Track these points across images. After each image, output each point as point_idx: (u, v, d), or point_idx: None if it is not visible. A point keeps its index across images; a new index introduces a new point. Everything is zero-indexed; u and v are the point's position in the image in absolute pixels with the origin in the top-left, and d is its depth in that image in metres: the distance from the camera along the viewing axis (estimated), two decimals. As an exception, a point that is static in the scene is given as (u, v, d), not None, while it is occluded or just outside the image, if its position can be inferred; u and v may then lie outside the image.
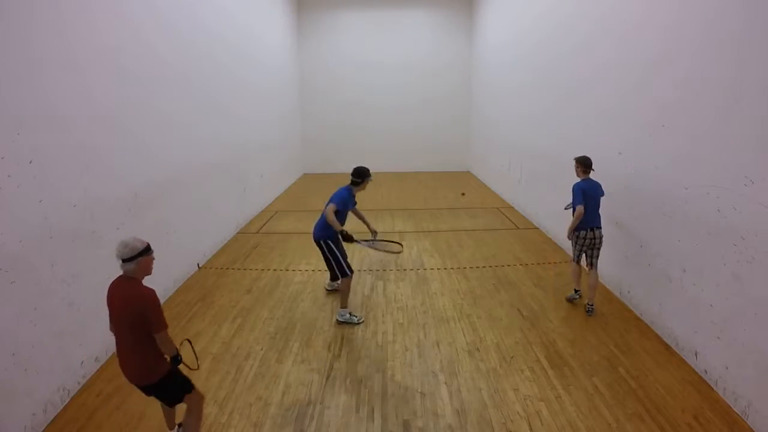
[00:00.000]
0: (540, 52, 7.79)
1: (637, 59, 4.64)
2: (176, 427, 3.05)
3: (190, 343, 3.00)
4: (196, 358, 3.11)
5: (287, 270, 6.06)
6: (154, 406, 3.37)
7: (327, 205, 4.53)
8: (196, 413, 2.81)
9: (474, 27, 13.30)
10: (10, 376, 2.96)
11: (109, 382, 3.67)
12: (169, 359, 2.63)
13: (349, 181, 4.74)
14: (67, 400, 3.45)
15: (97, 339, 3.87)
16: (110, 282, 2.58)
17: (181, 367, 2.71)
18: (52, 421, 3.25)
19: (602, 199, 4.63)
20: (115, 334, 2.62)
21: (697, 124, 3.72)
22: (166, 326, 2.53)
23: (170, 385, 2.69)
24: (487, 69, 11.96)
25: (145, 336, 2.51)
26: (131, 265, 2.50)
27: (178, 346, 2.69)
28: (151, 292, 2.52)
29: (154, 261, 2.64)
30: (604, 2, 5.38)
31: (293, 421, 3.23)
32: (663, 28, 4.19)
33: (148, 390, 2.69)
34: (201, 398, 2.85)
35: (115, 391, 3.55)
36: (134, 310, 2.46)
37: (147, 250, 2.56)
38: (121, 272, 2.54)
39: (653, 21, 4.36)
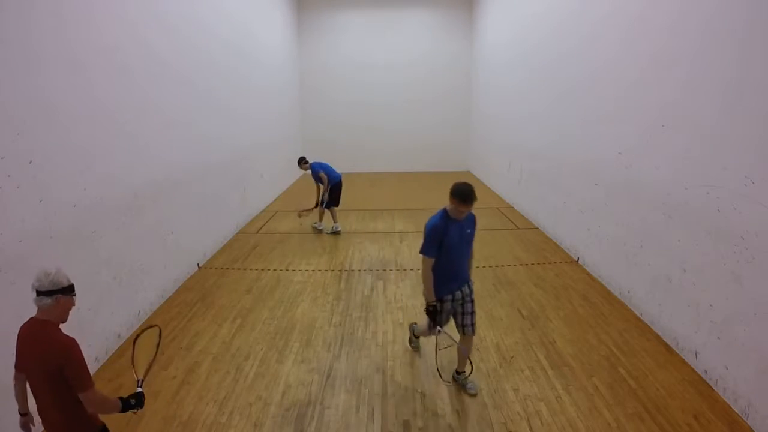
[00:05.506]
0: (540, 51, 7.79)
1: (637, 59, 4.64)
2: None
3: (160, 332, 2.64)
4: (156, 349, 2.54)
5: (287, 270, 6.06)
6: (153, 406, 3.39)
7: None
8: None
9: (474, 27, 13.28)
10: (11, 376, 2.95)
11: (109, 382, 3.67)
12: (121, 406, 2.14)
13: None
14: (67, 400, 3.44)
15: (97, 339, 3.87)
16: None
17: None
18: (52, 421, 3.24)
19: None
20: (30, 387, 2.15)
21: (697, 124, 3.72)
22: (91, 384, 2.02)
23: None
24: (487, 69, 11.96)
25: (67, 390, 2.00)
26: (48, 301, 2.02)
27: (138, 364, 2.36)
28: (72, 343, 2.01)
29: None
30: (605, 2, 5.38)
31: (293, 421, 3.23)
32: (663, 28, 4.19)
33: None
34: None
35: (115, 391, 3.54)
36: (54, 363, 1.97)
37: (70, 289, 2.10)
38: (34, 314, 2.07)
39: (654, 21, 4.35)
